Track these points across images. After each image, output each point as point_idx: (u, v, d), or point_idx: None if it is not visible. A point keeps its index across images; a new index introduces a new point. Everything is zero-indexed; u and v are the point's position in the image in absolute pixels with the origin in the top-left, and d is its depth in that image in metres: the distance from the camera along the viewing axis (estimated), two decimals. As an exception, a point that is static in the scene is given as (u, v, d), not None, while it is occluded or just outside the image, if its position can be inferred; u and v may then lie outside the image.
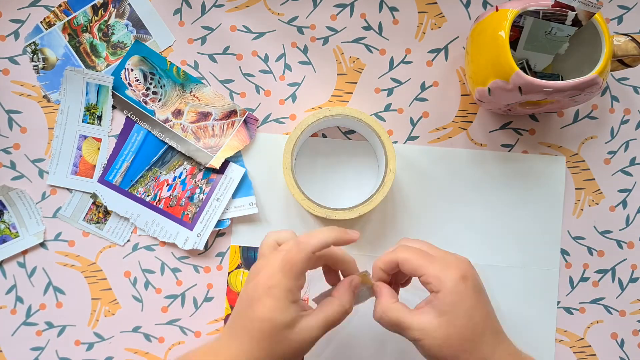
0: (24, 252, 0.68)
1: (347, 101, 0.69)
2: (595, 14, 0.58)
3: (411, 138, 0.69)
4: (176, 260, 0.68)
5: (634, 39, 0.60)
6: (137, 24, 0.68)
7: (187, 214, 0.67)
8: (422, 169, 0.68)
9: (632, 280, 0.68)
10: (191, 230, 0.67)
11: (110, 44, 0.68)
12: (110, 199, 0.67)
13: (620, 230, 0.69)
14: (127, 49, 0.68)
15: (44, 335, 0.67)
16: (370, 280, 0.57)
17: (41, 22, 0.68)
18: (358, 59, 0.69)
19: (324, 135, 0.68)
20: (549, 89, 0.58)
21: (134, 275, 0.68)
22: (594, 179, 0.69)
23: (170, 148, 0.68)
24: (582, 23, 0.59)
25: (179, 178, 0.67)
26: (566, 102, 0.61)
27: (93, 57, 0.68)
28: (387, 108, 0.69)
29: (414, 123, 0.69)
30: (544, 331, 0.67)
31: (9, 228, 0.67)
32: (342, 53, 0.69)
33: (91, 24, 0.68)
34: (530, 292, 0.67)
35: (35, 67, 0.68)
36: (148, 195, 0.67)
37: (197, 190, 0.67)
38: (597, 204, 0.69)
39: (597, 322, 0.68)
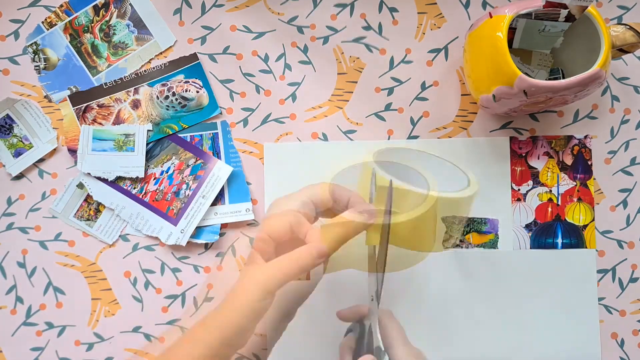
0: (24, 252, 0.67)
1: (347, 100, 0.69)
2: (588, 7, 0.58)
3: (411, 137, 0.69)
4: (176, 260, 0.68)
5: (631, 27, 0.60)
6: (139, 25, 0.68)
7: (172, 209, 0.67)
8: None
9: (632, 280, 0.68)
10: (175, 225, 0.67)
11: (111, 44, 0.68)
12: (97, 189, 0.67)
13: (620, 230, 0.69)
14: (129, 49, 0.68)
15: (44, 336, 0.67)
16: None
17: (42, 22, 0.68)
18: (358, 58, 0.69)
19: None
20: (553, 89, 0.58)
21: (134, 275, 0.68)
22: (594, 179, 0.69)
23: (160, 142, 0.68)
24: (575, 17, 0.59)
25: (167, 172, 0.67)
26: (571, 97, 0.61)
27: (94, 58, 0.68)
28: (388, 107, 0.69)
29: (414, 123, 0.69)
30: None
31: (21, 141, 0.67)
32: (342, 53, 0.69)
33: (92, 24, 0.68)
34: None
35: (37, 67, 0.68)
36: (134, 188, 0.67)
37: (184, 186, 0.67)
38: (598, 204, 0.69)
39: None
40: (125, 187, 0.67)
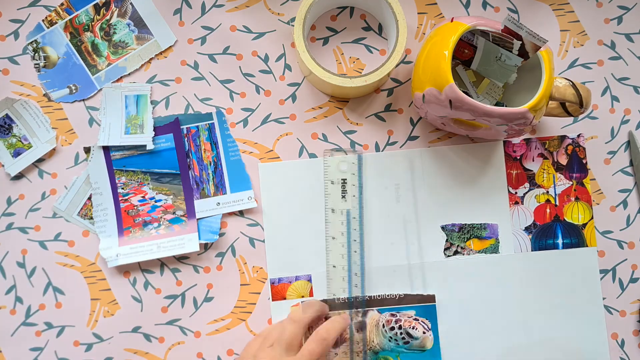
0: (24, 252, 0.67)
1: (347, 101, 0.69)
2: (540, 47, 0.58)
3: (411, 138, 0.69)
4: (176, 260, 0.68)
5: (574, 86, 0.59)
6: (139, 24, 0.68)
7: (130, 231, 0.67)
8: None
9: (633, 280, 0.68)
10: (118, 245, 0.67)
11: (111, 43, 0.68)
12: (96, 164, 0.67)
13: (620, 230, 0.69)
14: (129, 48, 0.68)
15: (43, 336, 0.67)
16: None
17: (43, 21, 0.68)
18: (358, 59, 0.69)
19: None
20: (476, 110, 0.57)
21: (133, 275, 0.68)
22: (594, 179, 0.69)
23: (174, 176, 0.67)
24: (528, 55, 0.59)
25: (154, 201, 0.67)
26: (497, 131, 0.60)
27: (94, 56, 0.68)
28: (387, 108, 0.69)
29: (414, 123, 0.69)
30: None
31: (20, 140, 0.67)
32: (342, 53, 0.69)
33: (93, 23, 0.68)
34: None
35: (37, 65, 0.68)
36: (122, 189, 0.67)
37: (155, 224, 0.67)
38: (598, 204, 0.69)
39: (598, 323, 0.68)
40: (117, 181, 0.67)
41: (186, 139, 0.68)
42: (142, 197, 0.67)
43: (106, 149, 0.67)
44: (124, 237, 0.67)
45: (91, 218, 0.67)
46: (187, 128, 0.68)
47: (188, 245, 0.66)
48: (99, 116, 0.68)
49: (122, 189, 0.67)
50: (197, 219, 0.67)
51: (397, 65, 0.68)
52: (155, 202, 0.67)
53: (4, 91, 0.68)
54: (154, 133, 0.67)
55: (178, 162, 0.68)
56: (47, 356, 0.67)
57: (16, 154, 0.67)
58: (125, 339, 0.67)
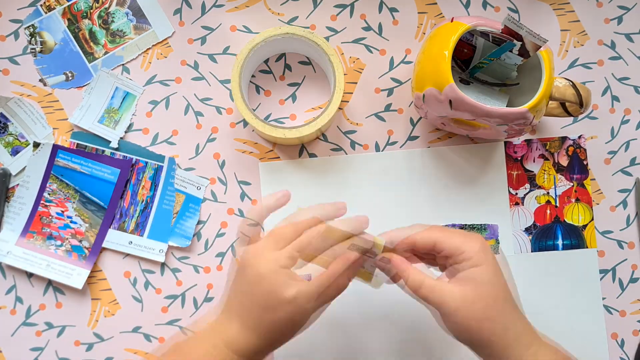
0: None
1: (347, 101, 0.69)
2: (540, 47, 0.58)
3: (411, 138, 0.69)
4: (176, 260, 0.68)
5: (574, 86, 0.59)
6: (137, 13, 0.68)
7: (33, 236, 0.66)
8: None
9: (632, 280, 0.68)
10: (14, 244, 0.66)
11: (109, 32, 0.68)
12: (38, 160, 0.67)
13: (620, 230, 0.69)
14: (126, 37, 0.68)
15: (43, 336, 0.67)
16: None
17: (41, 6, 0.68)
18: (358, 59, 0.69)
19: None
20: (476, 110, 0.58)
21: (134, 275, 0.68)
22: (594, 179, 0.69)
23: (100, 208, 0.67)
24: (529, 54, 0.59)
25: (70, 221, 0.67)
26: (497, 131, 0.60)
27: (91, 44, 0.68)
28: (387, 108, 0.69)
29: (414, 123, 0.69)
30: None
31: (17, 138, 0.67)
32: (342, 53, 0.69)
33: (91, 11, 0.68)
34: None
35: (33, 50, 0.68)
36: (49, 195, 0.67)
37: (58, 242, 0.67)
38: (598, 204, 0.69)
39: (598, 323, 0.68)
40: (48, 185, 0.66)
41: (132, 169, 0.68)
42: (62, 211, 0.67)
43: (54, 151, 0.67)
44: (24, 238, 0.67)
45: (6, 201, 0.67)
46: (137, 159, 0.68)
47: (75, 278, 0.66)
48: (83, 93, 0.68)
49: (49, 194, 0.67)
50: (103, 249, 0.67)
51: (333, 114, 0.66)
52: (71, 222, 0.67)
53: (4, 91, 0.68)
54: (123, 134, 0.68)
55: (110, 199, 0.67)
56: (48, 356, 0.67)
57: (14, 152, 0.67)
58: (125, 339, 0.67)
